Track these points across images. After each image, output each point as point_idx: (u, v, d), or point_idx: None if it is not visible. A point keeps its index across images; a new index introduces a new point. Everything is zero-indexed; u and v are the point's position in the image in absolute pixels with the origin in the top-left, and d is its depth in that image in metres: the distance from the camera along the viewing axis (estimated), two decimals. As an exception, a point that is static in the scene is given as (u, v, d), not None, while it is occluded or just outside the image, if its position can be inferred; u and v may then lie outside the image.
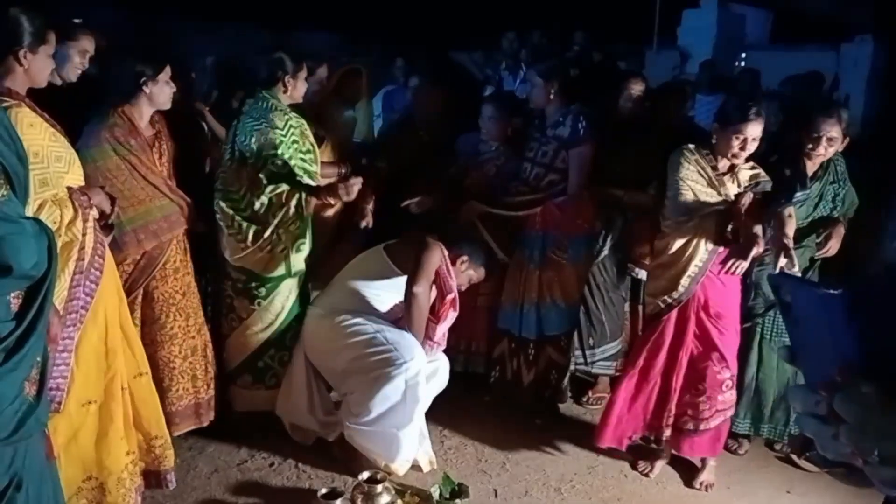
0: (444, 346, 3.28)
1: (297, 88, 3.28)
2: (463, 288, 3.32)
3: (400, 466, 3.09)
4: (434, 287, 3.17)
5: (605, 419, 3.23)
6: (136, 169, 2.90)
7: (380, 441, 3.05)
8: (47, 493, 1.85)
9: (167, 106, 3.01)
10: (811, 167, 3.22)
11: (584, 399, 3.92)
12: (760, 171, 3.05)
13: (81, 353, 2.37)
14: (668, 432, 3.17)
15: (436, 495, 2.98)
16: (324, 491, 2.88)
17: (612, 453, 3.41)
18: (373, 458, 3.08)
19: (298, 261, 3.27)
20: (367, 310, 3.20)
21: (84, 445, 2.45)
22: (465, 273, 3.31)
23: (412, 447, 3.11)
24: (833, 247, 3.22)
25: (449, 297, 3.18)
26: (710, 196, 2.99)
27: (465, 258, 3.29)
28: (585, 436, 3.48)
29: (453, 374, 3.38)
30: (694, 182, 2.99)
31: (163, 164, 3.02)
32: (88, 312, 2.36)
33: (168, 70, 2.95)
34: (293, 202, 3.15)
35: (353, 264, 3.33)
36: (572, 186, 3.53)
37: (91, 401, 2.43)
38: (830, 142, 3.14)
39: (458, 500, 2.97)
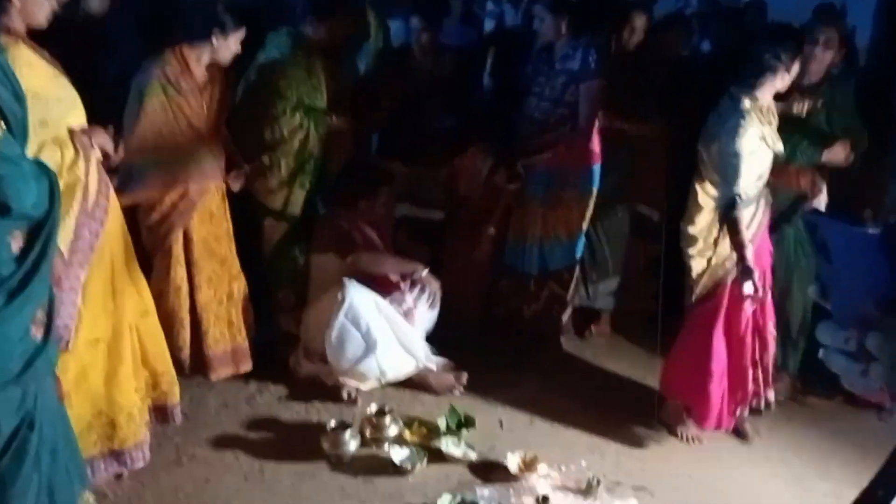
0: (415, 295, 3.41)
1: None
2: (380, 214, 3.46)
3: (393, 377, 3.28)
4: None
5: (706, 400, 3.00)
6: (181, 111, 2.91)
7: (363, 373, 3.20)
8: (59, 432, 1.87)
9: (226, 63, 3.02)
10: (815, 74, 3.14)
11: (586, 333, 3.94)
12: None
13: (88, 293, 2.37)
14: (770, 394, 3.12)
15: (442, 426, 3.04)
16: (333, 424, 2.93)
17: (616, 386, 3.46)
18: (365, 386, 3.25)
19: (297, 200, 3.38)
20: None
21: (94, 383, 2.47)
22: (377, 208, 3.44)
23: (395, 358, 3.25)
24: (837, 153, 3.12)
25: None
26: (765, 160, 2.87)
27: (362, 203, 3.38)
28: (591, 368, 3.53)
29: (454, 313, 3.45)
30: (755, 150, 2.81)
31: (210, 111, 3.01)
32: (94, 253, 2.35)
33: (243, 32, 2.96)
34: (298, 135, 3.24)
35: (314, 281, 3.43)
36: (582, 121, 3.47)
37: (99, 339, 2.45)
38: (827, 45, 3.07)
39: (464, 430, 3.03)
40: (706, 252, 2.96)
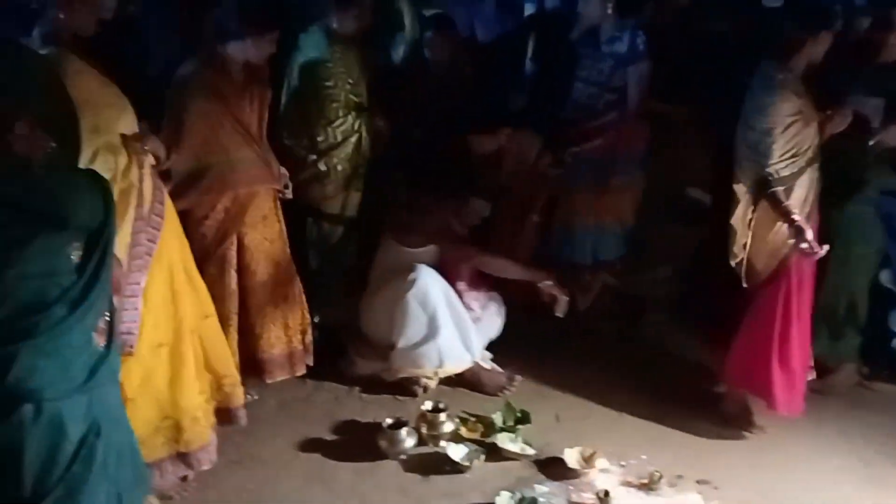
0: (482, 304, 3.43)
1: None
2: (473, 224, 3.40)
3: (451, 368, 3.25)
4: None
5: (777, 385, 2.93)
6: (224, 114, 2.91)
7: (422, 357, 3.20)
8: (122, 439, 1.91)
9: (259, 62, 3.00)
10: None
11: (640, 323, 3.88)
12: None
13: (149, 298, 2.41)
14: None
15: (498, 422, 3.02)
16: (389, 421, 2.94)
17: (672, 376, 3.40)
18: (422, 373, 3.24)
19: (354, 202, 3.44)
20: None
21: (158, 387, 2.51)
22: (471, 214, 3.39)
23: (454, 349, 3.24)
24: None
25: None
26: (809, 134, 2.79)
27: (461, 202, 3.35)
28: (645, 359, 3.47)
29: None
30: (790, 126, 2.75)
31: (253, 113, 3.01)
32: (152, 258, 2.39)
33: (277, 32, 2.96)
34: (352, 138, 3.33)
35: (380, 271, 3.40)
36: (633, 105, 3.42)
37: (162, 343, 2.48)
38: None
39: (520, 427, 3.01)
40: (742, 238, 2.89)
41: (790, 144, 2.76)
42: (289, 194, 3.18)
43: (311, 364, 3.29)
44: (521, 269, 3.35)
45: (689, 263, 3.72)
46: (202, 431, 2.63)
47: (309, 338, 3.27)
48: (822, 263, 2.96)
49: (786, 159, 2.76)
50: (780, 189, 2.76)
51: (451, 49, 3.68)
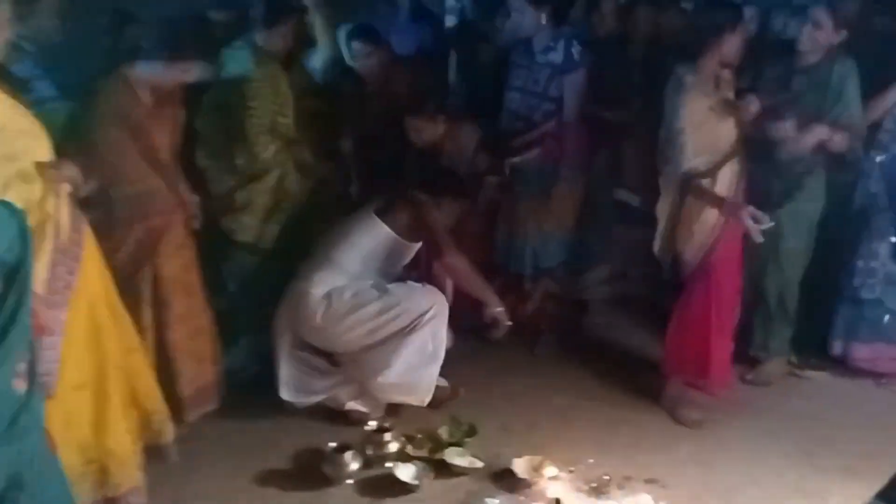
0: None
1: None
2: (450, 225, 3.23)
3: (427, 398, 3.07)
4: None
5: (710, 363, 3.07)
6: (133, 143, 2.76)
7: (408, 387, 3.03)
8: (52, 489, 1.77)
9: (171, 86, 2.85)
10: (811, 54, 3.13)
11: (581, 325, 3.90)
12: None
13: (70, 335, 2.24)
14: None
15: (445, 437, 2.97)
16: (333, 445, 2.84)
17: (614, 378, 3.42)
18: (402, 401, 3.09)
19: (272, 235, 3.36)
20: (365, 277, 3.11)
21: (81, 430, 2.34)
22: (450, 212, 3.23)
23: (435, 377, 3.08)
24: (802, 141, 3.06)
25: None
26: (725, 129, 2.94)
27: (445, 198, 3.20)
28: (587, 362, 3.48)
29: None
30: (703, 123, 2.91)
31: (165, 138, 2.86)
32: (72, 292, 2.23)
33: (192, 65, 2.85)
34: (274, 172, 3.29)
35: (342, 233, 3.14)
36: (569, 114, 3.43)
37: (84, 383, 2.32)
38: (817, 27, 3.07)
39: (467, 440, 2.96)
40: (662, 227, 3.08)
41: (705, 140, 2.91)
42: (197, 223, 3.05)
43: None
44: (481, 286, 3.14)
45: (624, 264, 3.77)
46: (131, 473, 2.47)
47: (220, 368, 3.15)
48: (748, 257, 3.08)
49: (702, 154, 2.91)
50: (703, 181, 2.91)
51: (379, 57, 3.60)
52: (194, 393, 3.02)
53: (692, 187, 2.93)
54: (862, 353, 3.30)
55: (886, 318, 3.26)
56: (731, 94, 3.00)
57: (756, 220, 2.90)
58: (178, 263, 2.94)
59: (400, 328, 2.96)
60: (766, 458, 2.87)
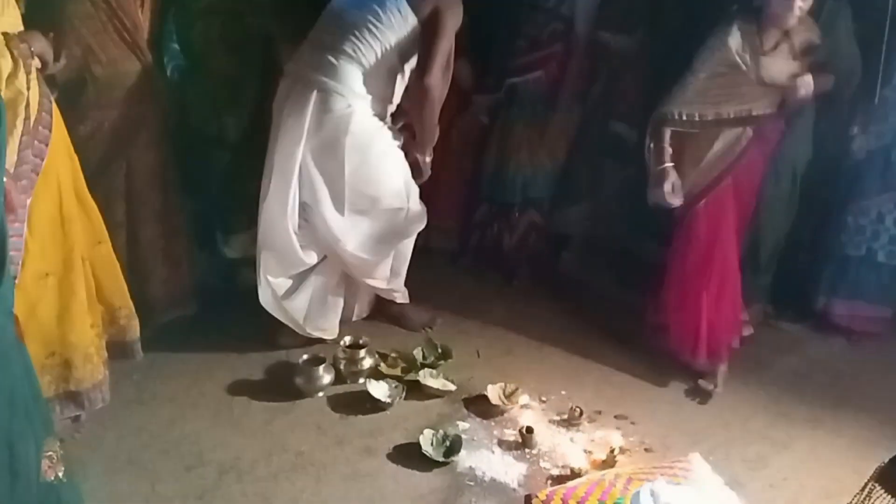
0: None
1: None
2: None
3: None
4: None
5: (697, 331, 2.90)
6: (113, 19, 2.55)
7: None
8: (16, 374, 1.67)
9: None
10: None
11: (560, 258, 3.84)
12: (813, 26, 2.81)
13: (35, 222, 2.12)
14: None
15: (419, 358, 2.94)
16: (305, 357, 2.78)
17: (589, 313, 3.40)
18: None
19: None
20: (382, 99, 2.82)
21: (44, 321, 2.25)
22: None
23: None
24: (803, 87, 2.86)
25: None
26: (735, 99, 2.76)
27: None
28: (564, 296, 3.44)
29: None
30: (722, 74, 2.74)
31: (144, 15, 2.66)
32: (39, 177, 2.08)
33: None
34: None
35: (355, 18, 2.69)
36: (582, 36, 3.25)
37: (49, 273, 2.21)
38: None
39: (441, 362, 2.93)
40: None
41: (712, 93, 2.75)
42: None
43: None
44: (432, 125, 2.84)
45: (610, 201, 3.68)
46: (94, 369, 2.40)
47: (194, 272, 3.05)
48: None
49: (697, 103, 2.75)
50: (667, 129, 2.77)
51: None
52: (167, 294, 2.93)
53: (654, 128, 2.79)
54: (841, 309, 3.30)
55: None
56: (791, 64, 2.79)
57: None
58: (154, 157, 2.78)
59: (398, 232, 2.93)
60: (735, 403, 2.88)
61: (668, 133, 2.79)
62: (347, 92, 2.69)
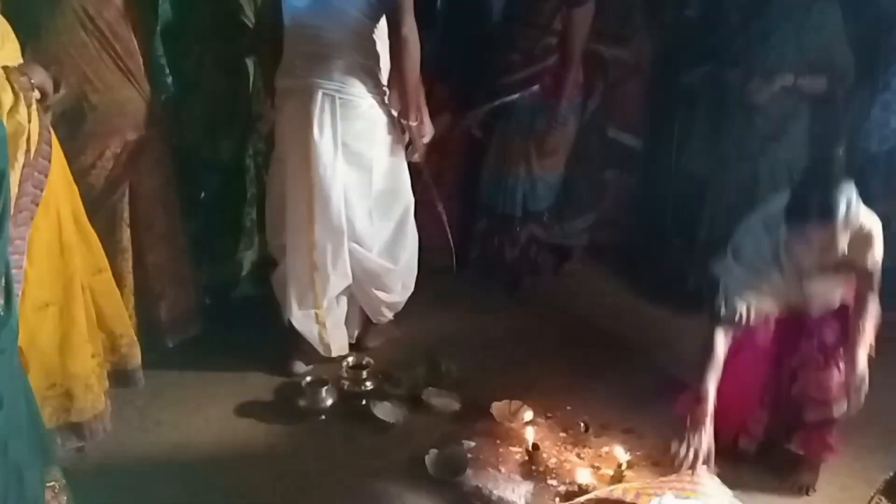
0: None
1: None
2: None
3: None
4: None
5: None
6: (107, 46, 2.55)
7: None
8: (21, 408, 1.67)
9: None
10: None
11: (561, 270, 3.84)
12: None
13: (35, 252, 2.12)
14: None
15: (423, 376, 2.93)
16: (309, 379, 2.77)
17: (592, 325, 3.39)
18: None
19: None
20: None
21: (45, 351, 2.24)
22: None
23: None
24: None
25: None
26: None
27: None
28: (567, 308, 3.44)
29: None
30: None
31: (138, 40, 2.66)
32: (39, 207, 2.08)
33: None
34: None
35: None
36: (575, 51, 3.24)
37: (49, 303, 2.21)
38: None
39: (445, 380, 2.93)
40: None
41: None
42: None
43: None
44: (416, 87, 2.74)
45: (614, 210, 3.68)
46: (95, 399, 2.40)
47: (199, 292, 3.07)
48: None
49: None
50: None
51: None
52: (175, 317, 2.93)
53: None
54: None
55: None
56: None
57: None
58: (157, 181, 2.79)
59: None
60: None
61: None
62: (358, 90, 2.69)
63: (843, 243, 2.08)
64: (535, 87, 3.30)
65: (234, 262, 3.28)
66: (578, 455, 2.58)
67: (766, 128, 3.12)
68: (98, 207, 2.59)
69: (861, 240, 2.17)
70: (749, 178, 3.19)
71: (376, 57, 2.73)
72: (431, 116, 2.91)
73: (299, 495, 2.37)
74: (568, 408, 2.82)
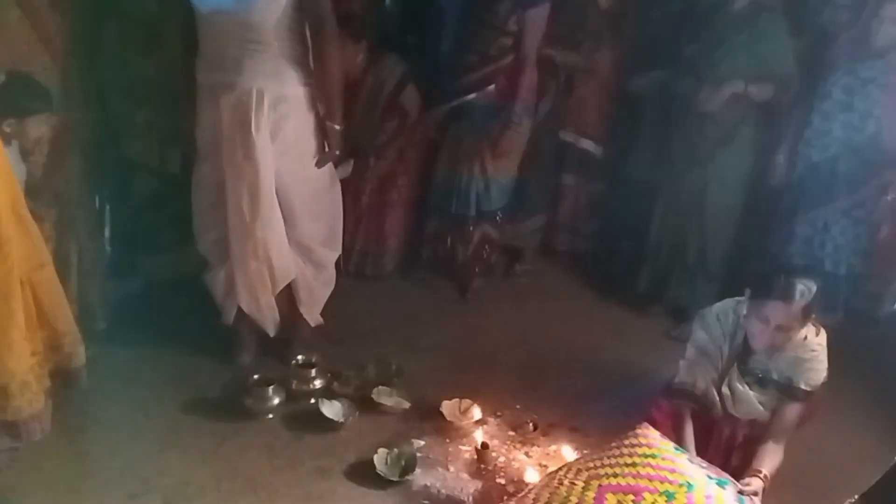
0: None
1: None
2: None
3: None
4: None
5: None
6: (40, 26, 2.46)
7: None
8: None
9: None
10: None
11: (512, 271, 3.87)
12: None
13: (-30, 245, 2.02)
14: None
15: (372, 374, 2.91)
16: (255, 378, 2.73)
17: (541, 326, 3.41)
18: None
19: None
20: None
21: (-20, 347, 2.15)
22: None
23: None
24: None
25: None
26: None
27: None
28: (516, 309, 3.45)
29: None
30: None
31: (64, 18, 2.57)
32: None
33: None
34: None
35: None
36: (529, 51, 3.27)
37: (-15, 297, 2.11)
38: None
39: (395, 379, 2.92)
40: None
41: None
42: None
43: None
44: (338, 95, 2.74)
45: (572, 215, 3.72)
46: (33, 398, 2.27)
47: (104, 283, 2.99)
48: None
49: None
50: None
51: None
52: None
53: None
54: None
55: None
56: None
57: None
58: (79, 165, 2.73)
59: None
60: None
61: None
62: (286, 83, 2.62)
63: (795, 328, 2.22)
64: (490, 88, 3.31)
65: (176, 257, 3.21)
66: (527, 454, 2.60)
67: (717, 134, 3.21)
68: (39, 193, 2.53)
69: (806, 354, 2.29)
70: (699, 182, 3.27)
71: (306, 48, 2.67)
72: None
73: (244, 496, 2.32)
74: (517, 407, 2.84)
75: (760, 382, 2.35)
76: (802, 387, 2.30)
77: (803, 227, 3.28)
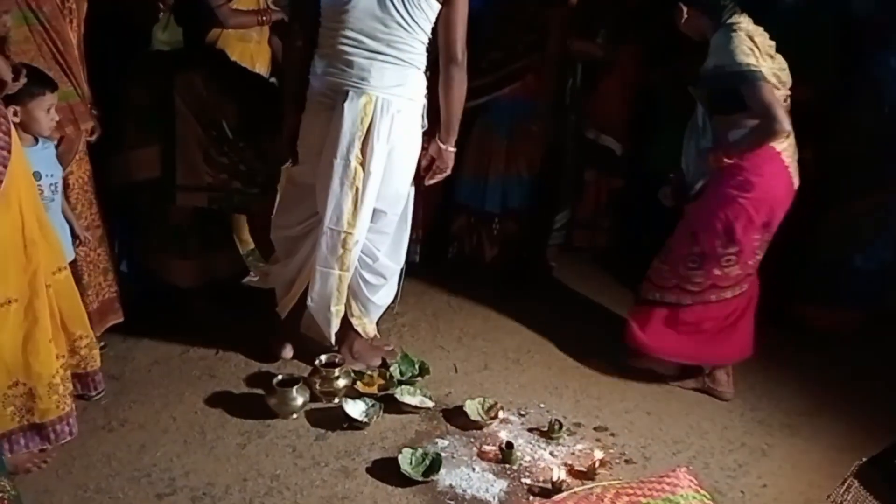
0: None
1: None
2: None
3: None
4: None
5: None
6: (47, 40, 2.51)
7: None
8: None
9: None
10: None
11: (537, 268, 3.82)
12: None
13: (-4, 246, 2.04)
14: None
15: (396, 375, 2.89)
16: (279, 378, 2.72)
17: (567, 324, 3.39)
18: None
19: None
20: None
21: (7, 349, 2.16)
22: None
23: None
24: None
25: None
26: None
27: None
28: (541, 307, 3.42)
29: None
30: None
31: (73, 31, 2.61)
32: (0, 201, 2.01)
33: None
34: None
35: None
36: (555, 46, 3.25)
37: (11, 299, 2.13)
38: None
39: (418, 378, 2.90)
40: None
41: None
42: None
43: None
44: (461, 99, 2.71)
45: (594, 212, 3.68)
46: (60, 400, 2.31)
47: (118, 278, 3.02)
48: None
49: None
50: None
51: None
52: (102, 305, 2.89)
53: None
54: (816, 314, 3.33)
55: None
56: None
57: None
58: (82, 173, 2.76)
59: None
60: (712, 411, 2.89)
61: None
62: (401, 92, 2.60)
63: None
64: (516, 85, 3.28)
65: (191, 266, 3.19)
66: (552, 453, 2.57)
67: None
68: None
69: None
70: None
71: (422, 61, 2.65)
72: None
73: (268, 497, 2.32)
74: (542, 405, 2.82)
75: None
76: None
77: (832, 222, 3.23)
